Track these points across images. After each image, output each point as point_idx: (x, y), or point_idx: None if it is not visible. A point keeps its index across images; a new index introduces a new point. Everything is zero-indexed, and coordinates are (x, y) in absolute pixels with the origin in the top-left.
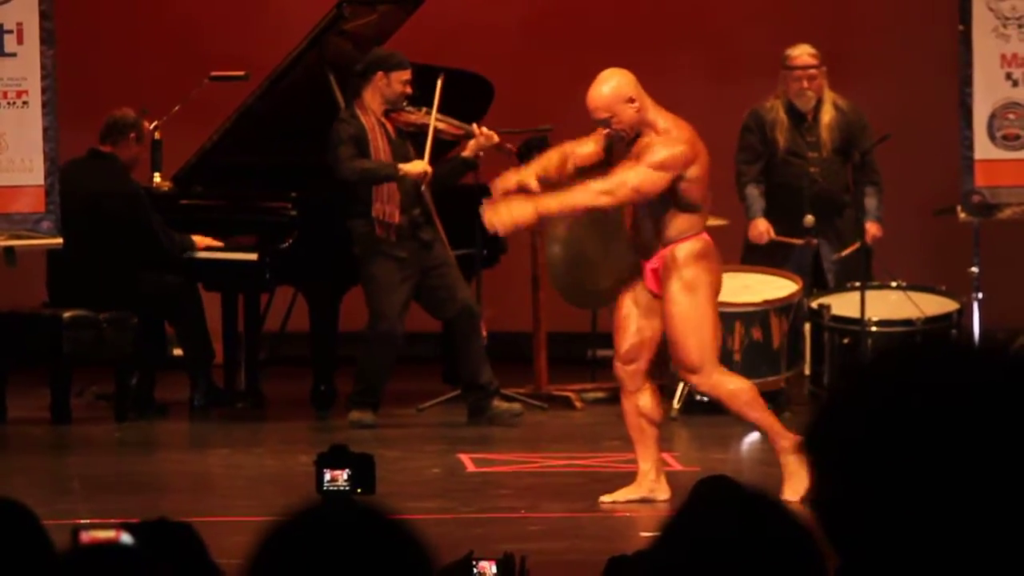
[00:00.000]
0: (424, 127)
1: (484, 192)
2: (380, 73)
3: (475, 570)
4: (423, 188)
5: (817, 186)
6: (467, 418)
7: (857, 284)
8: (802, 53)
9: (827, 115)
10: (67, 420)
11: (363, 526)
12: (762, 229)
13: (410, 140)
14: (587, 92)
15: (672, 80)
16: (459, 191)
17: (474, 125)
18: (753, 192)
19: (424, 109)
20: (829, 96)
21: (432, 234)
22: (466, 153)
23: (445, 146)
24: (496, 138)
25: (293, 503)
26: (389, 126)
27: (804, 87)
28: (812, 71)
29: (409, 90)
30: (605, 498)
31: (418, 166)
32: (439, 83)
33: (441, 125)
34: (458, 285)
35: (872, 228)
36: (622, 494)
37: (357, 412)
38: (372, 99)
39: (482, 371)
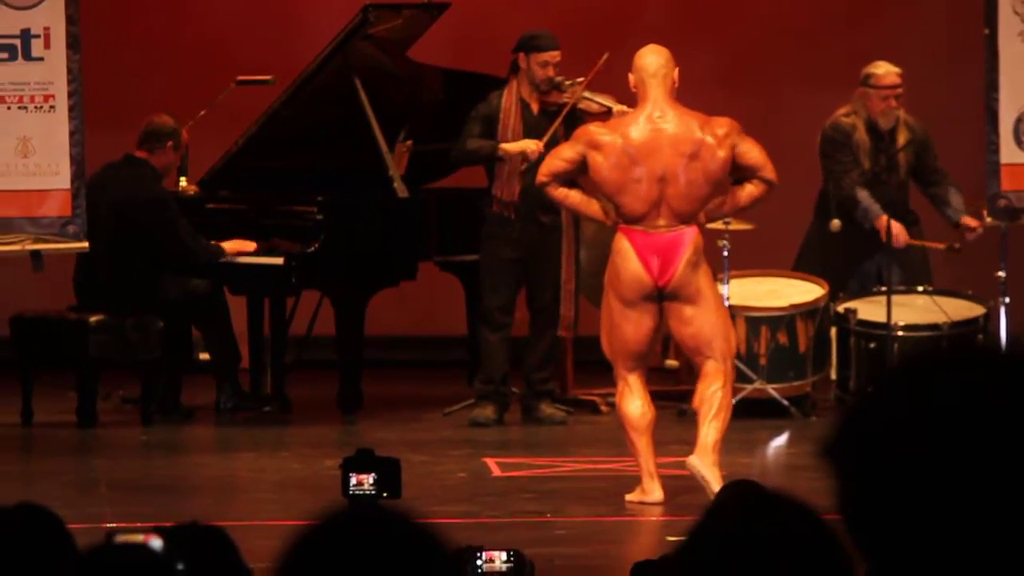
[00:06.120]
0: (570, 107)
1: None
2: (522, 54)
3: (482, 558)
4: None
5: (893, 206)
6: (520, 416)
7: (883, 288)
8: (888, 72)
9: (903, 136)
10: (93, 424)
11: (389, 531)
12: (897, 231)
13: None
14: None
15: (683, 85)
16: (465, 196)
17: (611, 104)
18: (865, 193)
19: (580, 80)
20: (901, 115)
21: (553, 220)
22: None
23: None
24: None
25: (319, 507)
26: (535, 106)
27: (892, 106)
28: (899, 90)
29: (551, 72)
30: (630, 497)
31: (518, 145)
32: (602, 60)
33: (582, 105)
34: (547, 282)
35: (970, 221)
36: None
37: (478, 408)
38: (521, 78)
39: (538, 371)
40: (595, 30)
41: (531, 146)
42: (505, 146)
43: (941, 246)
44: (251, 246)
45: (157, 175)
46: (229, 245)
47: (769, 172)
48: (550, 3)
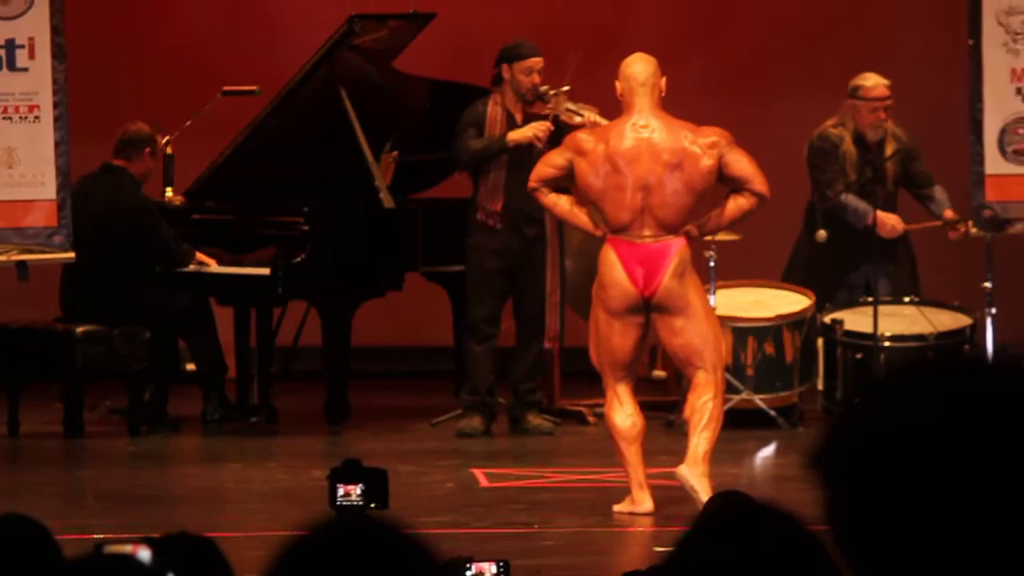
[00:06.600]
0: (552, 119)
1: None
2: (504, 65)
3: (472, 569)
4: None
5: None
6: (508, 427)
7: (870, 299)
8: (877, 84)
9: (890, 147)
10: (80, 434)
11: (377, 541)
12: (893, 222)
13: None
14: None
15: (673, 94)
16: (451, 206)
17: (589, 115)
18: (852, 196)
19: (565, 89)
20: (889, 126)
21: (537, 232)
22: None
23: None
24: None
25: (306, 518)
26: (519, 116)
27: (881, 118)
28: (888, 102)
29: (536, 79)
30: (619, 508)
31: (526, 131)
32: (572, 59)
33: (564, 117)
34: (533, 293)
35: (951, 214)
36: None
37: (465, 419)
38: (504, 90)
39: (524, 381)
40: (583, 39)
41: (540, 129)
42: (512, 135)
43: (939, 223)
44: (212, 262)
45: (136, 182)
46: (200, 255)
47: (758, 185)
48: (536, 12)
